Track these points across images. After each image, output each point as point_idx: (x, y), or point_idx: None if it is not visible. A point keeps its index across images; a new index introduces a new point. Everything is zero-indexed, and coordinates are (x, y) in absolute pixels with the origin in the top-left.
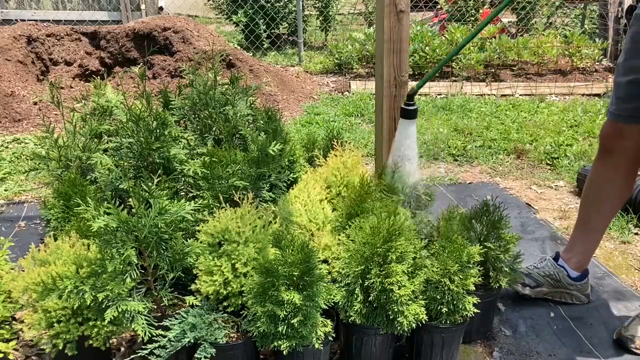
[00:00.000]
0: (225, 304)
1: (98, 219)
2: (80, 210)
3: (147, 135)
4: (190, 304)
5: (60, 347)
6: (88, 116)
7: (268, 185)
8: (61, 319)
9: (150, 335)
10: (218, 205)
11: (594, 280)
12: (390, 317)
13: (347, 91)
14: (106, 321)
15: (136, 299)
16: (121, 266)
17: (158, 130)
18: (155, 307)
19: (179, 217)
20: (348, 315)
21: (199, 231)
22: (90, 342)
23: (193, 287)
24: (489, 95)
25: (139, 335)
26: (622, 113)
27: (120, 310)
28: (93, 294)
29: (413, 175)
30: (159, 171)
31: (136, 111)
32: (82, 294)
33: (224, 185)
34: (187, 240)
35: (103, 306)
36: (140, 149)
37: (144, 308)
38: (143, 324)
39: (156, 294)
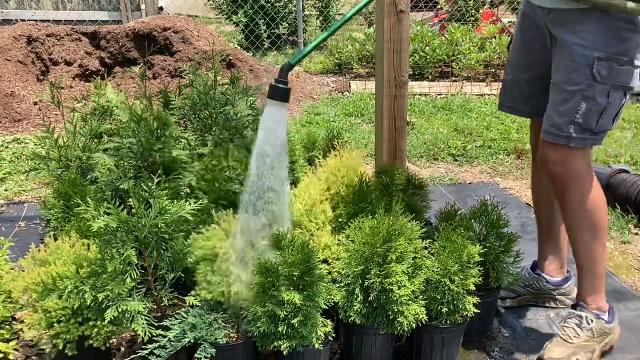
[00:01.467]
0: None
1: (98, 219)
2: (81, 211)
3: (149, 136)
4: (190, 304)
5: (60, 347)
6: (88, 116)
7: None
8: (61, 319)
9: (150, 335)
10: (217, 206)
11: None
12: (390, 317)
13: (347, 91)
14: (106, 321)
15: (136, 299)
16: (121, 266)
17: (159, 131)
18: (155, 307)
19: (180, 218)
20: (348, 315)
21: (200, 232)
22: (90, 342)
23: (193, 293)
24: (489, 95)
25: (139, 335)
26: (523, 109)
27: (120, 310)
28: (93, 294)
29: (283, 181)
30: (159, 171)
31: (137, 111)
32: (82, 294)
33: (224, 186)
34: (187, 240)
35: (103, 306)
36: (141, 149)
37: (144, 308)
38: (143, 324)
39: (156, 294)
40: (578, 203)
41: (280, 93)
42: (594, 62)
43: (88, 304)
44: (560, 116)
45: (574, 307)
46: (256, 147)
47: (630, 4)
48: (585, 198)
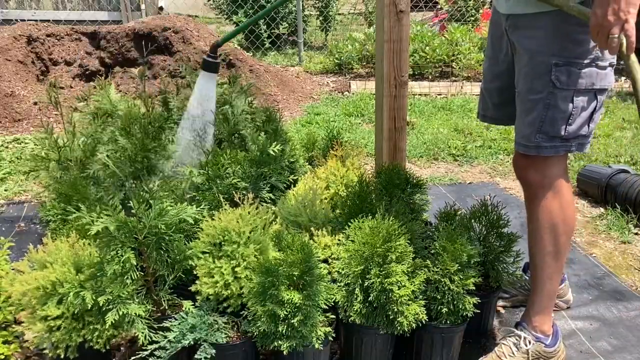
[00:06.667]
0: (225, 304)
1: (96, 221)
2: (78, 215)
3: (143, 137)
4: (188, 308)
5: (62, 355)
6: (89, 116)
7: (269, 186)
8: (61, 325)
9: (150, 338)
10: (217, 205)
11: (594, 280)
12: (390, 317)
13: (347, 91)
14: (107, 325)
15: (136, 300)
16: (120, 268)
17: (155, 132)
18: (155, 308)
19: (179, 219)
20: (348, 315)
21: (201, 229)
22: (91, 344)
23: (193, 288)
24: None
25: (139, 337)
26: (499, 116)
27: (121, 313)
28: (94, 297)
29: (209, 132)
30: (156, 173)
31: (135, 113)
32: (82, 299)
33: (223, 184)
34: (188, 241)
35: (104, 309)
36: (135, 152)
37: (144, 311)
38: (143, 328)
39: (155, 296)
40: (547, 212)
41: (211, 65)
42: (552, 68)
43: (89, 308)
44: (528, 126)
45: (516, 325)
46: (195, 103)
47: (577, 7)
48: (555, 208)
